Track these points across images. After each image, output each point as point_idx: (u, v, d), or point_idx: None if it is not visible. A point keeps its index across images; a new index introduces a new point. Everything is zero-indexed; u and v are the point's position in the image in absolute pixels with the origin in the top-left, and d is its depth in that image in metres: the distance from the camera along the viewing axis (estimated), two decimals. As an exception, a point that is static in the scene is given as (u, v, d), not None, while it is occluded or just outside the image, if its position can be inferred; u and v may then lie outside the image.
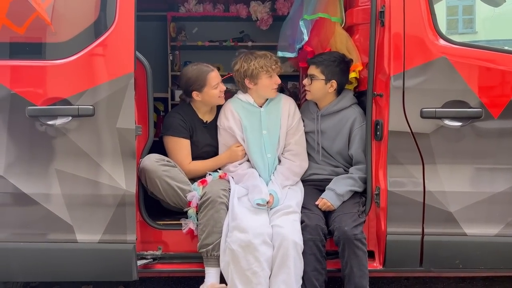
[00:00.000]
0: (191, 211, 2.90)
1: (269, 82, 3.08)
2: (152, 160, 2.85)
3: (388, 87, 2.70)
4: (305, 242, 2.72)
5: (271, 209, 2.88)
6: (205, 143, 3.19)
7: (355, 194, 2.97)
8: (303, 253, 2.71)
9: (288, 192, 2.99)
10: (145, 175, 2.85)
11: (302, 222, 2.80)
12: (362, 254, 2.71)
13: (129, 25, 2.64)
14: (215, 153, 3.20)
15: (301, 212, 2.87)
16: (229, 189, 2.95)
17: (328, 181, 3.02)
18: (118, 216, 2.67)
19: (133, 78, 2.63)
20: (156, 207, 3.05)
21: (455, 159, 2.74)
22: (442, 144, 2.72)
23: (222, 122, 3.16)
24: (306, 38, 3.16)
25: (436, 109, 2.69)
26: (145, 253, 2.87)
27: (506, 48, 2.88)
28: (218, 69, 3.29)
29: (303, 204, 2.94)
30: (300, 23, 3.17)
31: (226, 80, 3.41)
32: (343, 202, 2.91)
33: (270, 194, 2.89)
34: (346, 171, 3.09)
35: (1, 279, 2.89)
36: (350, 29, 3.22)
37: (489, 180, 2.75)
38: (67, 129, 2.64)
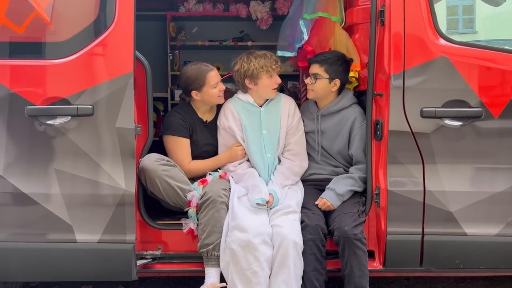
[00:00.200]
0: (192, 211, 2.89)
1: (269, 82, 3.08)
2: (151, 160, 2.85)
3: (388, 87, 2.70)
4: (305, 242, 2.72)
5: (270, 208, 2.88)
6: (205, 142, 3.19)
7: (355, 194, 2.97)
8: (303, 253, 2.71)
9: (288, 192, 2.99)
10: (145, 175, 2.85)
11: (302, 222, 2.79)
12: (362, 254, 2.71)
13: (129, 25, 2.64)
14: (215, 152, 3.19)
15: (301, 212, 2.86)
16: (229, 188, 2.94)
17: (328, 181, 3.02)
18: (118, 216, 2.66)
19: (132, 77, 2.63)
20: (156, 207, 3.04)
21: (455, 158, 2.73)
22: (442, 143, 2.71)
23: (222, 122, 3.16)
24: (306, 37, 3.16)
25: (436, 109, 2.69)
26: (145, 253, 2.87)
27: (506, 47, 2.87)
28: (218, 69, 3.29)
29: (303, 204, 2.93)
30: (300, 22, 3.16)
31: (226, 79, 3.41)
32: (343, 202, 2.91)
33: (269, 193, 2.88)
34: (346, 171, 3.09)
35: (0, 279, 2.89)
36: (350, 29, 3.22)
37: (489, 179, 2.75)
38: (66, 128, 2.64)
